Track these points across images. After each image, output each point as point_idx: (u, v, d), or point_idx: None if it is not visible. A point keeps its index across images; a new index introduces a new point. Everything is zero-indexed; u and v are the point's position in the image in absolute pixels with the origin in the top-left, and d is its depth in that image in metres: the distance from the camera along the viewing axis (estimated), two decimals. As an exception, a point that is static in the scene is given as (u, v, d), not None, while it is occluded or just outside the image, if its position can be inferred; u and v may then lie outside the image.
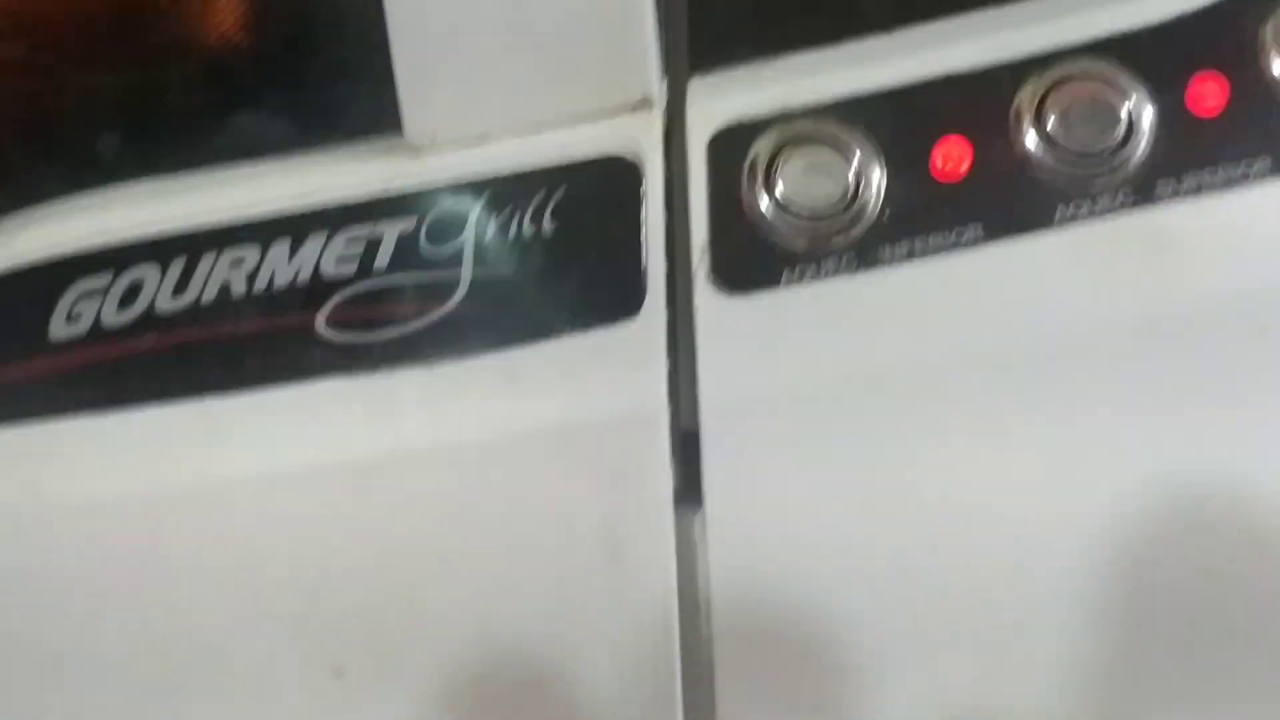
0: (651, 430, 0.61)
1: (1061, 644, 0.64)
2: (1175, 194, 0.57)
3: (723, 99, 0.59)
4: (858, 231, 0.58)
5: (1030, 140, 0.58)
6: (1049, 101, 0.57)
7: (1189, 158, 0.57)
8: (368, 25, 0.58)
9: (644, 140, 0.59)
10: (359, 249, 0.60)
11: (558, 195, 0.59)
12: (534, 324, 0.61)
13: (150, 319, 0.61)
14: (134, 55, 0.65)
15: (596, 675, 0.64)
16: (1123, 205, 0.58)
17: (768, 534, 0.62)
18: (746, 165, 0.59)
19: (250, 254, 0.60)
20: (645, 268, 0.60)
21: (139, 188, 0.63)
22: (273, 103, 0.65)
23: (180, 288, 0.60)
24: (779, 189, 0.58)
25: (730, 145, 0.59)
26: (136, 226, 0.60)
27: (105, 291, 0.61)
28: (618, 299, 0.60)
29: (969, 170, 0.59)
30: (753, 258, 0.59)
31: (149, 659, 0.65)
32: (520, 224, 0.59)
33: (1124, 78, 0.57)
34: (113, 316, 0.61)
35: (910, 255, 0.59)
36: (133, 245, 0.60)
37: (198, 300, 0.60)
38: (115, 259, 0.60)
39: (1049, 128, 0.57)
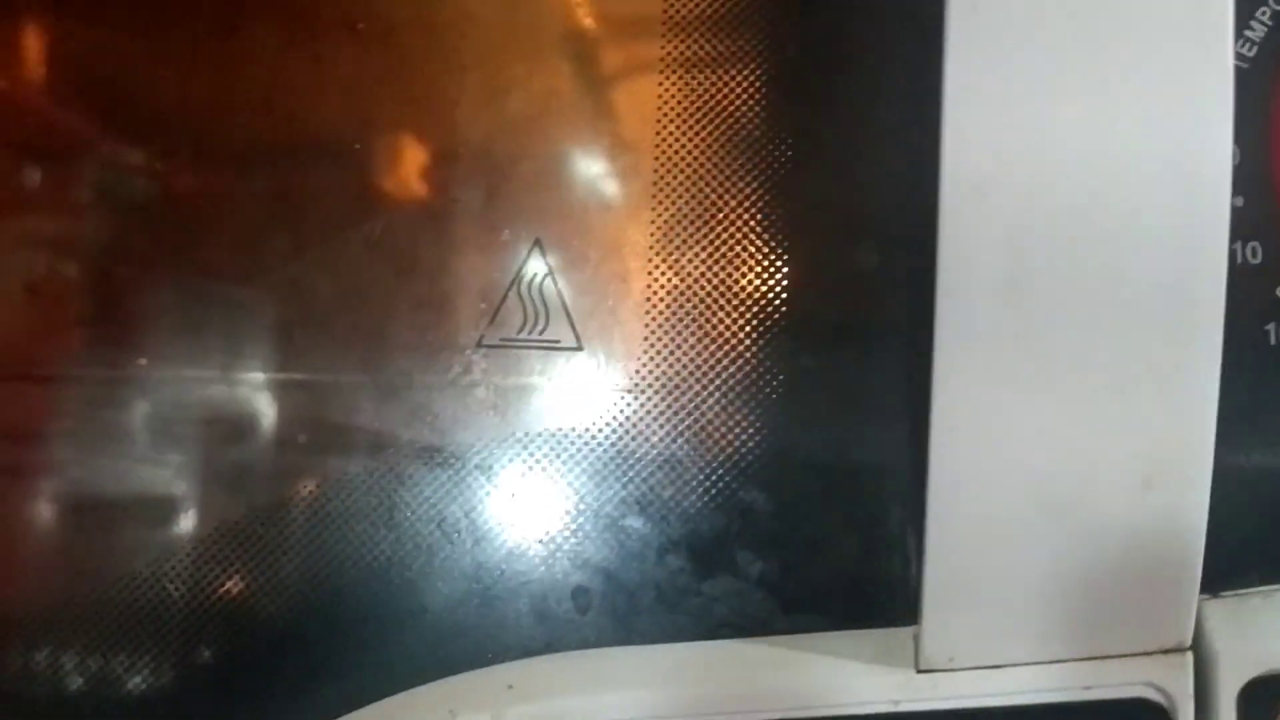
0: None
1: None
2: None
3: (1250, 642, 0.56)
4: None
5: None
6: None
7: None
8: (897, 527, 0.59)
9: (1177, 687, 0.55)
10: None
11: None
12: None
13: None
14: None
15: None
16: None
17: None
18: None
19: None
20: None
21: (623, 661, 0.59)
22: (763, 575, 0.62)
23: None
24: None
25: (1264, 695, 0.55)
26: (631, 717, 0.56)
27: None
28: None
29: None
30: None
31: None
32: (1043, 762, 0.54)
33: None
34: None
35: None
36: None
37: None
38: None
39: None
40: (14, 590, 0.65)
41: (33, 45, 0.68)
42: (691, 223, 0.61)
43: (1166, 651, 0.54)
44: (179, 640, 0.62)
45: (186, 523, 0.63)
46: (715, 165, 0.61)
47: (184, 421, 0.64)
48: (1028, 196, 0.51)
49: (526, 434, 0.61)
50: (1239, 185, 0.52)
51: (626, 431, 0.61)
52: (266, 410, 0.63)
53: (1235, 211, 0.51)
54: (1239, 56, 0.53)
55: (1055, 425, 0.51)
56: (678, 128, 0.62)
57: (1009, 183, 0.51)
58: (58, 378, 0.65)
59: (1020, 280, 0.51)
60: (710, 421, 0.60)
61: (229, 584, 0.62)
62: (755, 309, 0.61)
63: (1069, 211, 0.51)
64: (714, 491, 0.60)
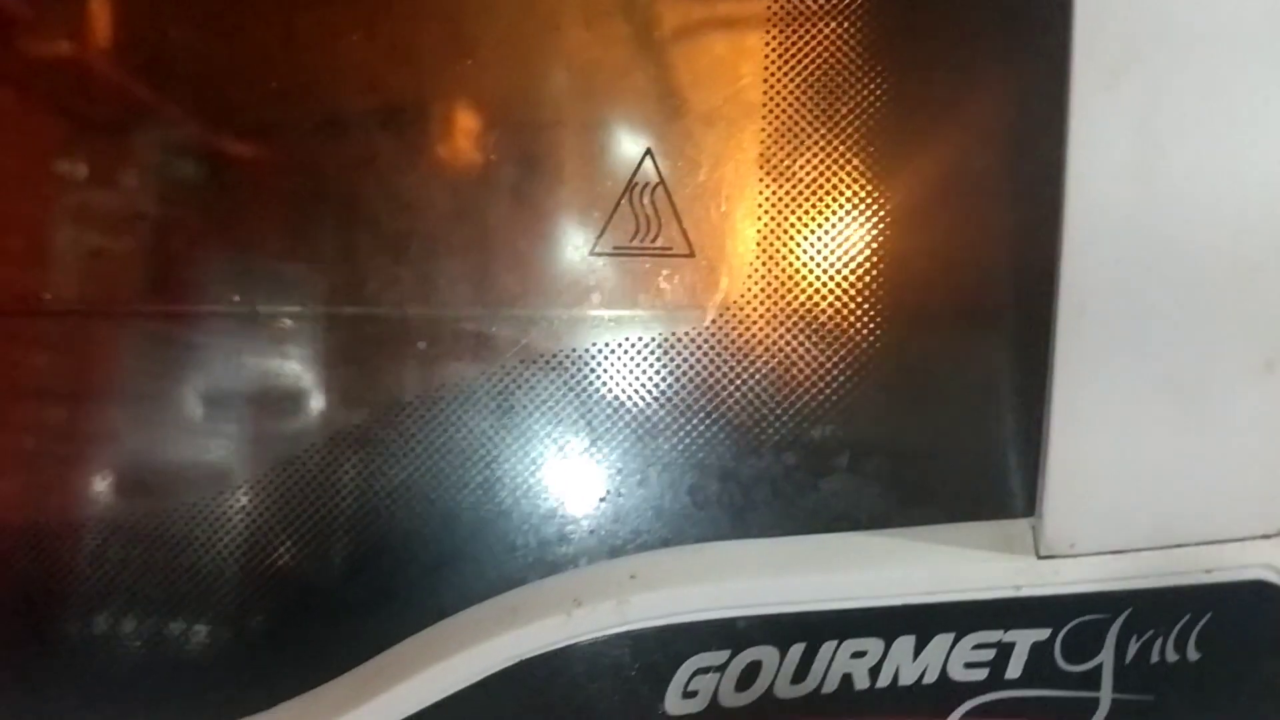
0: None
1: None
2: None
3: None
4: None
5: None
6: None
7: None
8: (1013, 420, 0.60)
9: None
10: (989, 655, 0.56)
11: (1203, 621, 0.55)
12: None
13: (770, 703, 0.57)
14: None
15: None
16: None
17: None
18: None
19: (873, 647, 0.57)
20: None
21: (743, 552, 0.61)
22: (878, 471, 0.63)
23: (800, 674, 0.57)
24: None
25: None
26: (753, 603, 0.58)
27: (723, 669, 0.57)
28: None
29: None
30: None
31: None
32: (1163, 649, 0.55)
33: None
34: (731, 696, 0.57)
35: None
36: (750, 624, 0.57)
37: (818, 689, 0.57)
38: (733, 637, 0.57)
39: None
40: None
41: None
42: (803, 130, 0.62)
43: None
44: (309, 532, 0.63)
45: (310, 427, 0.64)
46: (827, 73, 0.62)
47: (299, 338, 0.65)
48: (1162, 79, 0.52)
49: (640, 338, 0.62)
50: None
51: (740, 334, 0.62)
52: (386, 318, 0.64)
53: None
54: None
55: (1178, 308, 0.52)
56: (789, 36, 0.62)
57: (1142, 68, 0.52)
58: (161, 314, 0.67)
59: (1148, 165, 0.52)
60: (824, 324, 0.61)
61: (354, 486, 0.63)
62: (868, 212, 0.61)
63: (1203, 95, 0.52)
64: (828, 391, 0.61)
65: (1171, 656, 0.54)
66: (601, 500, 0.62)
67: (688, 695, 0.56)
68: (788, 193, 0.62)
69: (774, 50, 0.62)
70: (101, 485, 0.66)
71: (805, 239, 0.62)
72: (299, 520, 0.63)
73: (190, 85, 0.67)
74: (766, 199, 0.62)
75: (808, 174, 0.62)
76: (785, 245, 0.62)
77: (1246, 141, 0.52)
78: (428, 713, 0.57)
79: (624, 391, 0.62)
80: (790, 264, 0.62)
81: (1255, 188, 0.52)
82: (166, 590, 0.64)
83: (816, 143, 0.62)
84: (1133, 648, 0.54)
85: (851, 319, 0.61)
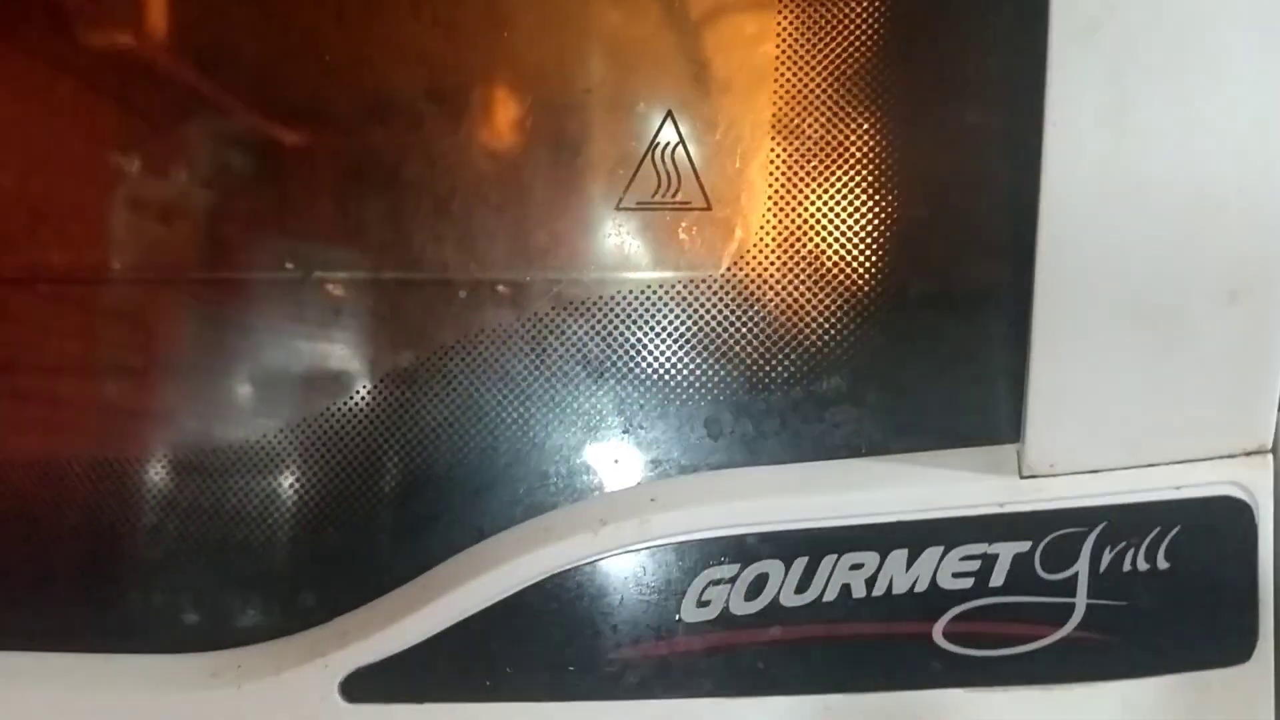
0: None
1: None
2: None
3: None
4: None
5: None
6: None
7: None
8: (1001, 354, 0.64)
9: (1259, 486, 0.60)
10: (974, 565, 0.61)
11: (1172, 533, 0.59)
12: (1146, 659, 0.62)
13: (776, 610, 0.62)
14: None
15: None
16: None
17: None
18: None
19: (869, 559, 0.62)
20: (1258, 615, 0.61)
21: (753, 477, 0.66)
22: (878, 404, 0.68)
23: (803, 585, 0.62)
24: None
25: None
26: (761, 521, 0.63)
27: (733, 581, 0.62)
28: (1229, 643, 0.62)
29: None
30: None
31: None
32: (1135, 559, 0.60)
33: None
34: (741, 605, 0.62)
35: None
36: (758, 540, 0.62)
37: (820, 598, 0.62)
38: (743, 552, 0.62)
39: None
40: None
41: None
42: (812, 92, 0.67)
43: (1249, 454, 0.59)
44: (363, 466, 0.69)
45: (359, 372, 0.70)
46: (835, 40, 0.67)
47: (349, 296, 0.71)
48: (1135, 32, 0.56)
49: (661, 284, 0.67)
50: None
51: (752, 280, 0.67)
52: (428, 270, 0.70)
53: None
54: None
55: (1149, 245, 0.56)
56: (801, 6, 0.67)
57: (1115, 21, 0.56)
58: (212, 281, 0.73)
59: (1121, 110, 0.56)
60: (829, 269, 0.66)
61: (399, 425, 0.69)
62: (870, 167, 0.66)
63: (1173, 45, 0.56)
64: (833, 331, 0.66)
65: (1142, 566, 0.59)
66: (625, 433, 0.68)
67: (702, 604, 0.62)
68: (797, 150, 0.67)
69: (785, 20, 0.67)
70: (182, 420, 0.73)
71: (813, 192, 0.66)
72: (354, 455, 0.69)
73: (244, 64, 0.73)
74: (778, 155, 0.67)
75: (816, 132, 0.67)
76: (795, 198, 0.67)
77: (1211, 90, 0.56)
78: (471, 620, 0.62)
79: (646, 334, 0.68)
80: (799, 215, 0.67)
81: (1219, 133, 0.56)
82: (232, 518, 0.70)
83: (824, 104, 0.67)
84: (1107, 558, 0.59)
85: (854, 265, 0.66)
